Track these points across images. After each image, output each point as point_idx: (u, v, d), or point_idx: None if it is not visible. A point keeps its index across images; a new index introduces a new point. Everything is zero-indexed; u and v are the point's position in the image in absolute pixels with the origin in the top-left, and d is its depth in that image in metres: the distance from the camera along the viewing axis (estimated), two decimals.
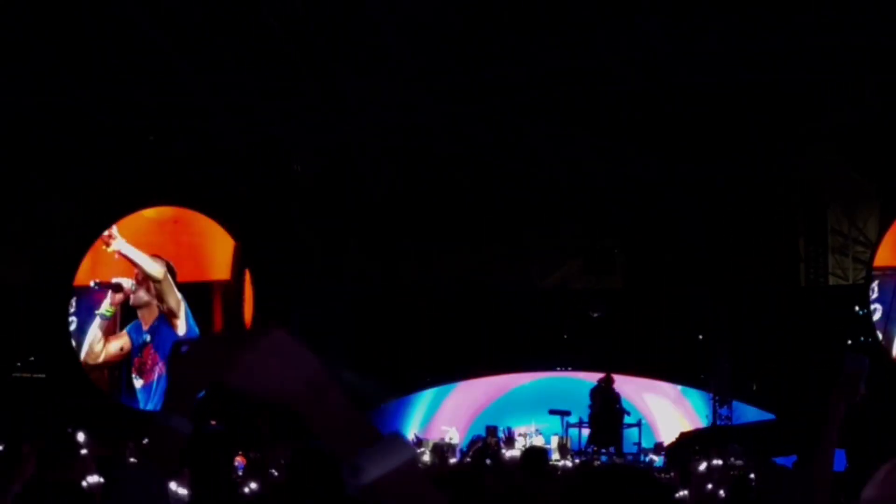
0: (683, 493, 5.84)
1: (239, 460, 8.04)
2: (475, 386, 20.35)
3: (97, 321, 17.94)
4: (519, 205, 19.37)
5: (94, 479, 5.76)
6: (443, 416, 20.18)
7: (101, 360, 18.01)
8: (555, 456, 16.34)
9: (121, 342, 18.02)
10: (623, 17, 14.36)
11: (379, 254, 20.57)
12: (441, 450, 16.78)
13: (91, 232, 18.31)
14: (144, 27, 14.66)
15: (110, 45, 15.35)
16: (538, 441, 17.91)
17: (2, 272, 19.09)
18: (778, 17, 13.90)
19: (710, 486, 6.36)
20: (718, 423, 18.15)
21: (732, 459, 11.12)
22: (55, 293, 18.25)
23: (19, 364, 19.13)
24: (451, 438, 18.53)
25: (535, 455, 7.82)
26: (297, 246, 19.31)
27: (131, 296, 17.88)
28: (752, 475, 7.35)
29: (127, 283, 17.88)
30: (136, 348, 17.93)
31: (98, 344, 17.95)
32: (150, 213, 18.42)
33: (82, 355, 17.95)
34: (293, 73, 15.76)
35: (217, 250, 18.34)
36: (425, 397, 20.53)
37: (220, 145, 17.91)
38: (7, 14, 14.39)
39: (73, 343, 17.99)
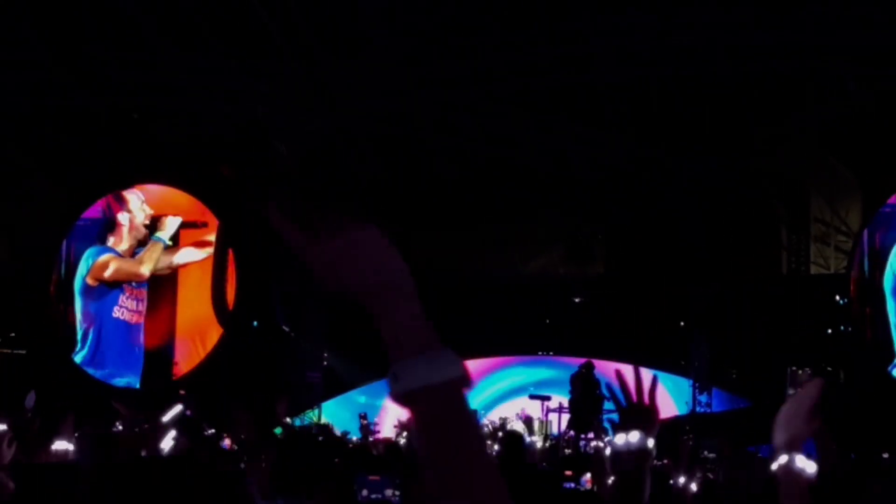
0: (682, 479, 5.74)
1: (225, 441, 8.03)
2: None
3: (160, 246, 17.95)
4: (501, 191, 19.39)
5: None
6: None
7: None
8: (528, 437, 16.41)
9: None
10: (609, 7, 14.38)
11: None
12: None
13: (72, 210, 18.25)
14: (128, 7, 14.59)
15: (94, 25, 15.28)
16: (518, 426, 17.98)
17: None
18: (762, 11, 13.93)
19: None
20: (698, 409, 18.25)
21: (705, 452, 11.17)
22: (36, 270, 18.19)
23: (0, 340, 19.10)
24: None
25: (514, 441, 7.88)
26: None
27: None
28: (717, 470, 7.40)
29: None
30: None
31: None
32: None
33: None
34: (278, 56, 15.71)
35: (202, 231, 18.33)
36: None
37: (204, 126, 17.86)
38: None
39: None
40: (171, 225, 17.88)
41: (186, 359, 18.20)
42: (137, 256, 17.89)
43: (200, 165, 18.29)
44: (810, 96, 16.60)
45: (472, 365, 20.09)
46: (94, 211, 18.17)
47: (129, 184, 18.22)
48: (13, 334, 19.16)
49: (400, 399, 1.46)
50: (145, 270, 17.88)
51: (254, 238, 18.20)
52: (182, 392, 14.96)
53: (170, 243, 17.96)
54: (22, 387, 15.68)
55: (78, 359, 17.88)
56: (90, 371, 17.82)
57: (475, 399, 19.56)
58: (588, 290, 20.63)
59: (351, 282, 1.55)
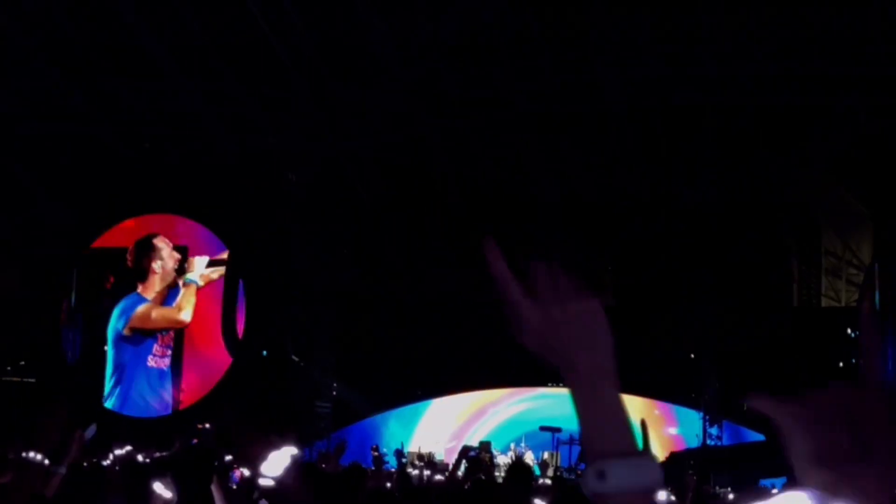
0: None
1: (236, 472, 7.98)
2: (460, 400, 20.36)
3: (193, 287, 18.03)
4: (511, 219, 19.37)
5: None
6: (431, 429, 20.17)
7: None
8: (541, 472, 16.31)
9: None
10: (620, 35, 14.41)
11: (370, 265, 20.56)
12: (432, 464, 16.76)
13: (83, 238, 18.31)
14: (141, 37, 14.68)
15: (107, 54, 15.37)
16: (528, 457, 17.89)
17: None
18: (774, 41, 13.96)
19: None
20: (709, 442, 18.13)
21: (717, 488, 11.07)
22: (47, 299, 18.21)
23: (9, 368, 19.08)
24: (439, 455, 18.54)
25: (521, 470, 7.84)
26: (289, 255, 19.29)
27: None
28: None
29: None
30: None
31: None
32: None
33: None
34: (288, 84, 15.77)
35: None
36: (411, 411, 20.53)
37: (214, 154, 17.92)
38: (5, 20, 14.40)
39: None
40: (199, 265, 18.02)
41: (195, 388, 18.19)
42: (175, 303, 17.99)
43: (211, 195, 18.33)
44: (821, 128, 16.58)
45: (482, 396, 20.04)
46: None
47: (139, 213, 18.27)
48: (23, 363, 19.16)
49: (599, 496, 1.46)
50: (186, 317, 18.04)
51: (264, 268, 18.22)
52: (200, 426, 14.92)
53: (202, 283, 18.06)
54: (31, 415, 15.70)
55: (108, 404, 18.02)
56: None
57: (484, 431, 19.49)
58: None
59: (565, 354, 1.56)
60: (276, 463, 3.26)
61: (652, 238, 19.19)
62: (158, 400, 18.12)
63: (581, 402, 1.54)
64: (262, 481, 2.98)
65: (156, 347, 18.14)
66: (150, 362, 18.12)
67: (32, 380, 18.80)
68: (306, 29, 14.46)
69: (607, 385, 1.54)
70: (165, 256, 18.04)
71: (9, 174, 17.80)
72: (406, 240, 19.99)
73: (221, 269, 18.23)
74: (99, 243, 18.44)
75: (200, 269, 17.99)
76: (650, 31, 14.27)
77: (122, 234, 18.41)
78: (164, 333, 18.18)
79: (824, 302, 19.91)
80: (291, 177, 18.31)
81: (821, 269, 19.83)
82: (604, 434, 1.51)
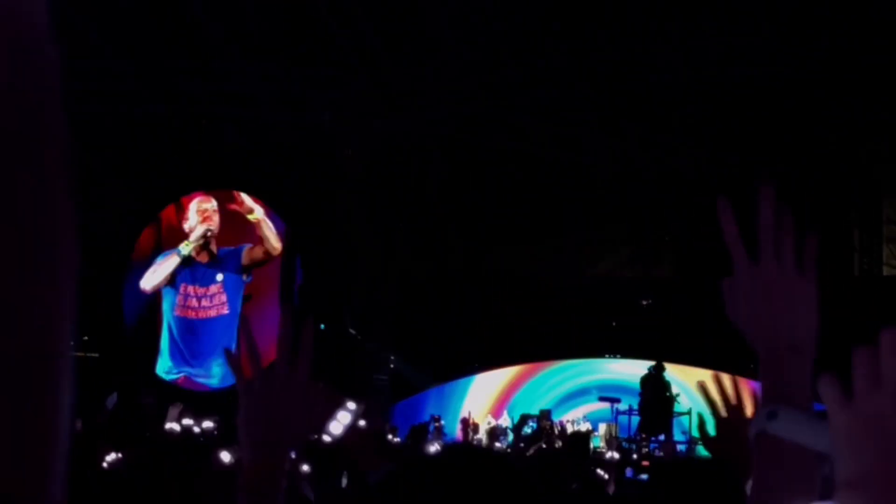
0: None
1: None
2: (510, 372, 20.42)
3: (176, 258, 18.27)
4: (569, 193, 19.33)
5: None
6: (484, 401, 20.26)
7: None
8: (601, 444, 16.31)
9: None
10: (677, 11, 14.25)
11: (428, 242, 20.62)
12: (495, 432, 16.90)
13: (144, 215, 18.57)
14: (197, 15, 14.79)
15: (163, 33, 15.51)
16: (584, 427, 17.90)
17: None
18: (834, 13, 13.72)
19: None
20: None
21: None
22: (109, 275, 18.50)
23: (73, 343, 19.42)
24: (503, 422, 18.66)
25: (580, 440, 7.84)
26: (347, 232, 19.41)
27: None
28: None
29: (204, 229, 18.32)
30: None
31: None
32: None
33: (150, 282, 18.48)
34: (345, 63, 15.81)
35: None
36: (465, 382, 20.64)
37: (272, 132, 18.04)
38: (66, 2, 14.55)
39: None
40: (197, 233, 18.24)
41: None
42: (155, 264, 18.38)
43: (268, 171, 18.48)
44: (882, 95, 16.31)
45: (542, 366, 20.07)
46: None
47: (199, 189, 18.48)
48: (86, 338, 19.49)
49: (761, 436, 1.55)
50: (144, 284, 18.29)
51: (321, 243, 18.35)
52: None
53: (185, 253, 18.24)
54: (96, 390, 16.00)
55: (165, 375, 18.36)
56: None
57: (544, 399, 19.52)
58: (656, 293, 20.46)
59: (776, 325, 1.63)
60: (340, 422, 3.26)
61: (709, 208, 19.02)
62: (205, 349, 18.37)
63: (765, 371, 1.63)
64: (326, 438, 2.98)
65: (179, 298, 18.44)
66: (179, 311, 18.46)
67: (96, 355, 19.12)
68: (362, 5, 14.47)
69: (797, 361, 1.61)
70: (192, 216, 18.31)
71: (70, 152, 18.03)
72: (463, 215, 20.03)
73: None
74: (167, 215, 18.73)
75: (196, 236, 18.24)
76: (705, 6, 14.09)
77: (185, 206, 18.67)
78: (190, 284, 18.52)
79: (886, 271, 19.63)
80: (348, 153, 18.39)
81: (882, 237, 19.55)
82: (790, 390, 1.58)
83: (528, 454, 7.89)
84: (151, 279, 18.35)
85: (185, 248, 18.21)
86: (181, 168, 18.53)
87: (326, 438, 3.32)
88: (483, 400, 20.21)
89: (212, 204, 18.39)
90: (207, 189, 18.58)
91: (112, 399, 9.95)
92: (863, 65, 14.74)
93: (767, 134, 16.89)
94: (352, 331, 19.55)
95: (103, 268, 18.70)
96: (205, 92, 16.93)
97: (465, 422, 18.78)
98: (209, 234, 18.20)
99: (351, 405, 3.05)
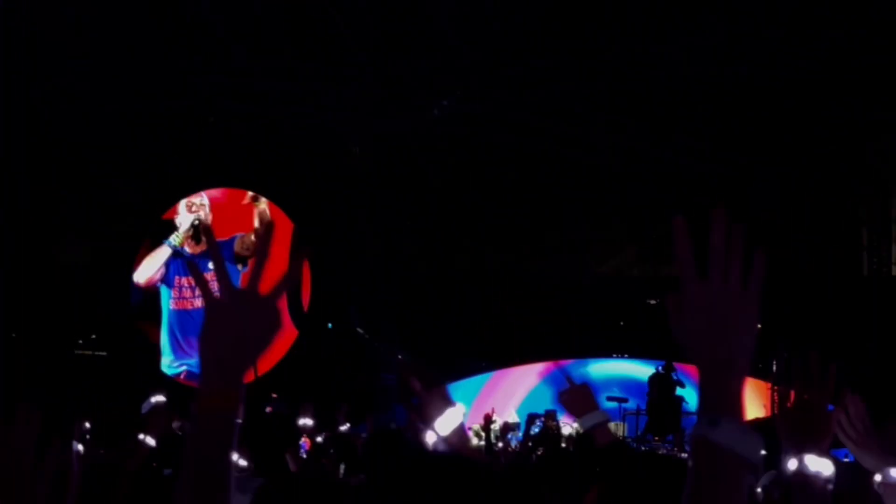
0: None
1: (303, 440, 8.06)
2: (521, 371, 20.38)
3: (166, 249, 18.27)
4: (575, 192, 19.28)
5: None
6: (490, 400, 20.23)
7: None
8: None
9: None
10: (682, 7, 14.21)
11: (435, 239, 20.61)
12: (508, 430, 16.89)
13: (150, 213, 18.55)
14: (203, 11, 14.78)
15: (169, 30, 15.50)
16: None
17: (64, 253, 19.39)
18: (842, 11, 13.67)
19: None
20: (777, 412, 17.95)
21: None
22: (116, 273, 18.51)
23: (81, 342, 19.45)
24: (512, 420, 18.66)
25: (588, 442, 7.74)
26: (354, 230, 19.40)
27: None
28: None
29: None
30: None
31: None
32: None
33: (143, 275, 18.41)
34: (351, 59, 15.79)
35: (277, 234, 18.51)
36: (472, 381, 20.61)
37: (278, 129, 18.04)
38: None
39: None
40: (184, 224, 18.26)
41: (261, 362, 18.36)
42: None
43: (274, 169, 18.48)
44: (891, 93, 16.24)
45: (545, 366, 20.03)
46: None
47: (206, 187, 18.47)
48: (94, 336, 19.51)
49: (700, 442, 1.62)
50: (137, 277, 18.29)
51: (328, 241, 18.33)
52: (274, 395, 15.12)
53: (175, 244, 18.24)
54: (104, 388, 16.01)
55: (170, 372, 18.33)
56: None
57: (548, 399, 19.49)
58: (663, 292, 20.38)
59: (715, 342, 1.71)
60: (449, 421, 3.14)
61: (716, 207, 18.96)
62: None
63: (703, 384, 1.69)
64: (431, 439, 2.88)
65: (173, 290, 18.42)
66: (173, 305, 18.43)
67: (103, 353, 19.15)
68: (368, 2, 14.45)
69: (733, 377, 1.69)
70: (181, 210, 18.33)
71: (75, 152, 18.07)
72: (469, 213, 20.00)
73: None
74: (167, 217, 18.66)
75: (184, 228, 18.23)
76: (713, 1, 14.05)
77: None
78: (181, 276, 18.49)
79: (894, 271, 19.56)
80: (355, 150, 18.38)
81: (891, 237, 19.48)
82: (726, 402, 1.67)
83: (537, 453, 7.85)
84: (144, 272, 18.33)
85: (175, 238, 18.19)
86: (188, 166, 18.52)
87: (433, 438, 3.14)
88: (489, 400, 20.19)
89: (200, 198, 18.40)
90: (213, 187, 18.56)
91: (149, 403, 9.87)
92: (869, 62, 14.68)
93: (774, 132, 16.83)
94: (359, 330, 19.55)
95: (110, 266, 18.73)
96: (211, 89, 16.92)
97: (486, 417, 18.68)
98: (197, 222, 18.16)
99: (460, 406, 2.92)
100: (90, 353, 19.38)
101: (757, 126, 16.73)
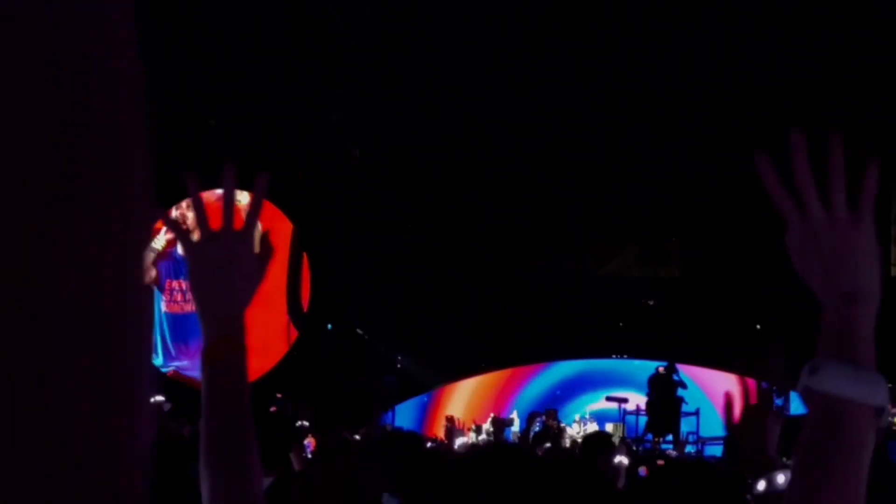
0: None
1: (309, 440, 8.03)
2: (521, 371, 20.40)
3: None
4: (576, 193, 19.30)
5: None
6: (488, 401, 20.25)
7: None
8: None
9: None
10: (684, 8, 14.21)
11: (435, 240, 20.64)
12: (500, 424, 16.87)
13: (150, 215, 18.57)
14: (203, 13, 14.80)
15: (169, 32, 15.51)
16: (592, 427, 17.84)
17: None
18: (842, 11, 13.67)
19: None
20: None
21: (784, 459, 10.84)
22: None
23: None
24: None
25: (599, 440, 7.61)
26: (354, 230, 19.42)
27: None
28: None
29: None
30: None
31: None
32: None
33: None
34: (351, 60, 15.81)
35: (276, 234, 18.52)
36: (469, 382, 20.62)
37: (279, 131, 18.05)
38: None
39: None
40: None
41: (260, 362, 18.41)
42: None
43: (274, 170, 18.48)
44: (891, 93, 16.25)
45: (546, 367, 20.04)
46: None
47: (205, 188, 18.44)
48: None
49: (807, 396, 1.43)
50: None
51: (328, 242, 18.35)
52: (279, 395, 15.13)
53: (158, 247, 18.20)
54: None
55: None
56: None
57: (550, 398, 19.50)
58: (663, 293, 20.43)
59: (831, 277, 1.51)
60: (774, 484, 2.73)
61: (717, 207, 19.00)
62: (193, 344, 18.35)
63: (823, 324, 1.51)
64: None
65: (165, 293, 18.43)
66: (165, 307, 18.45)
67: None
68: (369, 3, 14.46)
69: (854, 311, 1.49)
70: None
71: None
72: (469, 214, 20.02)
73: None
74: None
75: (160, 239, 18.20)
76: (715, 2, 14.05)
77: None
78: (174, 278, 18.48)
79: (894, 272, 19.56)
80: (355, 152, 18.40)
81: (890, 238, 19.49)
82: (829, 345, 1.47)
83: (538, 454, 7.82)
84: None
85: (157, 241, 18.16)
86: (188, 168, 18.50)
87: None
88: (487, 400, 20.21)
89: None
90: (213, 188, 18.54)
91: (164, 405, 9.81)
92: (870, 62, 14.68)
93: (775, 132, 16.80)
94: (359, 331, 19.57)
95: None
96: (211, 90, 16.94)
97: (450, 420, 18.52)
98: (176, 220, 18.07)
99: (784, 474, 2.53)
100: None
101: (758, 127, 16.72)
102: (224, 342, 1.74)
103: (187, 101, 17.13)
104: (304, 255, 18.32)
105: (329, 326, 19.37)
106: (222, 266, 1.78)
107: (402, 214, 19.94)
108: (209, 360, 1.74)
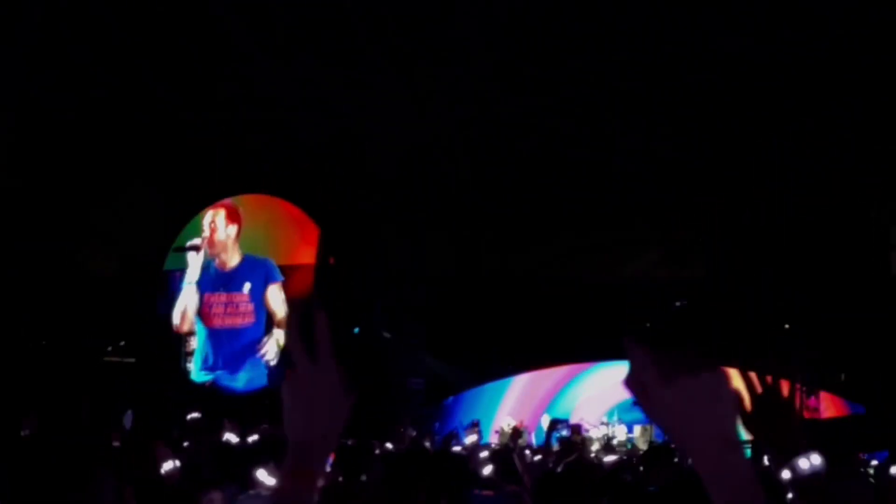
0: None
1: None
2: (544, 375, 20.40)
3: (187, 289, 18.07)
4: (599, 194, 19.26)
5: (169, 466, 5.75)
6: (513, 405, 20.26)
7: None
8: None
9: None
10: (702, 8, 14.18)
11: (459, 243, 20.65)
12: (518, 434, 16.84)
13: (177, 220, 18.65)
14: (224, 18, 14.87)
15: (190, 37, 15.59)
16: (620, 431, 17.79)
17: (93, 263, 19.53)
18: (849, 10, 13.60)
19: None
20: (805, 414, 17.86)
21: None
22: (144, 281, 18.63)
23: (110, 349, 19.58)
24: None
25: (660, 454, 7.48)
26: (380, 235, 19.46)
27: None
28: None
29: (198, 240, 18.06)
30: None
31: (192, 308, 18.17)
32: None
33: (177, 322, 18.26)
34: (372, 65, 15.85)
35: (304, 238, 18.55)
36: (496, 385, 20.64)
37: (302, 136, 18.11)
38: (88, 4, 14.68)
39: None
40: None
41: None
42: None
43: (300, 175, 18.54)
44: None
45: (573, 369, 20.03)
46: None
47: (231, 193, 18.52)
48: (123, 343, 19.64)
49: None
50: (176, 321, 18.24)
51: (353, 246, 18.39)
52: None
53: (193, 281, 17.99)
54: (132, 395, 16.12)
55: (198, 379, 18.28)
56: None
57: (572, 403, 19.46)
58: (689, 294, 20.36)
59: (684, 426, 1.49)
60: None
61: (742, 208, 18.93)
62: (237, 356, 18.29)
63: (700, 467, 1.49)
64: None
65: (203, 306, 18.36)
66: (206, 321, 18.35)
67: (132, 360, 19.26)
68: (388, 7, 14.50)
69: (726, 453, 1.48)
70: (205, 227, 18.26)
71: (103, 160, 18.20)
72: (493, 215, 20.02)
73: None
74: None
75: (192, 261, 18.07)
76: (733, 3, 14.01)
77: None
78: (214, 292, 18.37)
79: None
80: (379, 155, 18.43)
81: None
82: (723, 490, 1.47)
83: (557, 468, 7.75)
84: (179, 316, 18.12)
85: (189, 274, 18.04)
86: (213, 173, 18.60)
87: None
88: (517, 404, 20.22)
89: (216, 215, 18.20)
90: (238, 193, 18.61)
91: (128, 417, 9.79)
92: (885, 56, 14.60)
93: (796, 133, 16.76)
94: (386, 334, 19.60)
95: (138, 273, 18.86)
96: (234, 96, 17.01)
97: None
98: (196, 245, 17.88)
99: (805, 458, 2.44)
100: (119, 360, 19.51)
101: (778, 127, 16.67)
102: (302, 474, 1.74)
103: (208, 106, 17.22)
104: (331, 259, 18.35)
105: (356, 330, 19.42)
106: (319, 398, 1.77)
107: (426, 218, 19.96)
108: (283, 486, 1.74)
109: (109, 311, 18.52)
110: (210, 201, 18.48)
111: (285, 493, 1.71)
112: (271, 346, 17.83)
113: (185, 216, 18.61)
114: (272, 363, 17.75)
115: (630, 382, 1.51)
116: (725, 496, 1.45)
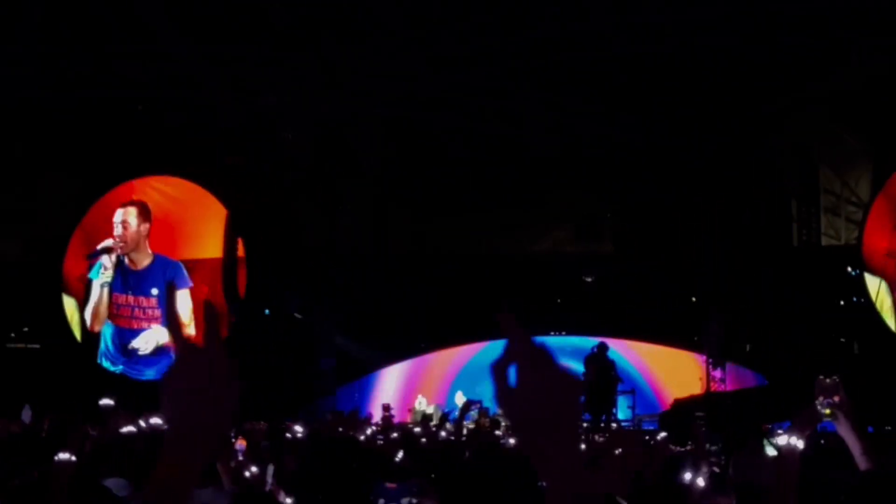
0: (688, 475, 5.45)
1: (240, 443, 7.76)
2: (448, 354, 20.52)
3: (100, 290, 17.62)
4: (511, 171, 19.34)
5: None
6: (419, 384, 20.33)
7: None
8: None
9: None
10: None
11: (372, 222, 20.59)
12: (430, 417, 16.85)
13: (82, 203, 18.21)
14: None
15: (100, 16, 15.26)
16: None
17: None
18: None
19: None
20: (712, 385, 18.18)
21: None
22: (48, 265, 18.19)
23: (13, 335, 19.15)
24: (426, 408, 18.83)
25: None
26: (291, 215, 19.29)
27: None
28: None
29: (109, 241, 17.57)
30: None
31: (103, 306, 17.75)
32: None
33: (89, 322, 17.77)
34: (286, 43, 15.68)
35: (210, 226, 18.19)
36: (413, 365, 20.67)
37: (212, 115, 17.84)
38: None
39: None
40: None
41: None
42: None
43: (208, 155, 18.26)
44: (818, 67, 16.50)
45: (483, 346, 20.10)
46: None
47: (138, 174, 18.13)
48: (26, 329, 19.22)
49: None
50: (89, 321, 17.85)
51: (263, 226, 18.19)
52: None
53: (103, 281, 17.66)
54: (39, 382, 15.78)
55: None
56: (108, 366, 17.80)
57: (485, 382, 19.57)
58: (598, 269, 20.59)
59: (538, 411, 1.51)
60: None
61: (649, 183, 19.16)
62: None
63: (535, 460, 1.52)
64: None
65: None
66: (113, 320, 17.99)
67: (36, 346, 18.86)
68: None
69: (561, 460, 1.50)
70: (116, 225, 17.76)
71: (4, 143, 17.75)
72: (406, 193, 20.00)
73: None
74: (99, 206, 18.14)
75: (103, 260, 17.73)
76: None
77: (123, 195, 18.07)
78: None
79: (824, 241, 19.91)
80: (288, 136, 18.24)
81: (820, 207, 19.82)
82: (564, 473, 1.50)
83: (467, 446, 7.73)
84: (91, 317, 17.73)
85: (103, 276, 17.55)
86: (121, 153, 18.22)
87: None
88: (423, 383, 20.28)
89: (127, 212, 17.64)
90: (145, 175, 18.23)
91: (26, 412, 9.49)
92: (795, 35, 14.89)
93: (705, 107, 17.01)
94: (297, 315, 19.47)
95: (43, 256, 18.42)
96: (144, 75, 16.70)
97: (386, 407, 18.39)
98: (108, 248, 17.44)
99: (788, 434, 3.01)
100: (23, 346, 19.09)
101: (687, 99, 16.91)
102: (182, 465, 1.63)
103: (120, 86, 16.88)
104: (240, 240, 18.10)
105: (266, 311, 19.25)
106: (200, 388, 1.64)
107: (339, 197, 19.84)
108: (158, 476, 1.62)
109: (13, 296, 18.09)
110: (114, 183, 18.07)
111: (160, 483, 1.63)
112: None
113: (92, 196, 18.14)
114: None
115: (499, 364, 1.53)
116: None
